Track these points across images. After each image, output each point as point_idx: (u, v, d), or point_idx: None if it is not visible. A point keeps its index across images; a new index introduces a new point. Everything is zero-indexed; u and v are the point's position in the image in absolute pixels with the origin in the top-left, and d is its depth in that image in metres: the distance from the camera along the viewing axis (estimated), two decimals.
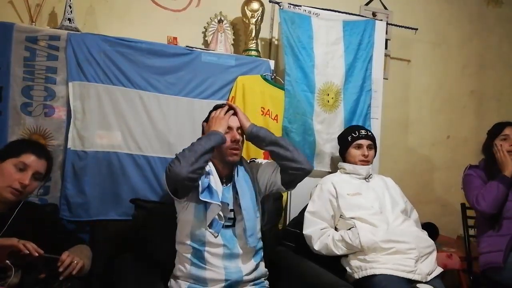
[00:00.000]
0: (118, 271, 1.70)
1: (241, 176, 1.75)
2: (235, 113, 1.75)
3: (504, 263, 1.95)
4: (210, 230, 1.61)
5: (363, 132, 2.15)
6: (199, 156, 1.54)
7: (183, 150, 1.57)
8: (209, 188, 1.61)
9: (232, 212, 1.68)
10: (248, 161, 1.90)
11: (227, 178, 1.74)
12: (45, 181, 1.69)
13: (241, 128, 1.74)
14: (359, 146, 2.13)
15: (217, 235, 1.61)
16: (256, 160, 1.93)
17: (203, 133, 1.79)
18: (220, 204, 1.60)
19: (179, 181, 1.53)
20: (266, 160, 1.92)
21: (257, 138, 1.72)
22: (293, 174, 1.70)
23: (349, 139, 2.15)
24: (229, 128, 1.72)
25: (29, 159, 1.49)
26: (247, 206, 1.69)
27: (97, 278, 1.74)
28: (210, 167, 1.68)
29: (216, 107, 1.81)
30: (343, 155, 2.21)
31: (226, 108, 1.75)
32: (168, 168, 1.55)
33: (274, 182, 1.76)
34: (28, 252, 1.29)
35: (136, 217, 1.88)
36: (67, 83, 1.97)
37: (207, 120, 1.80)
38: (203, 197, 1.59)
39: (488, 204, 2.02)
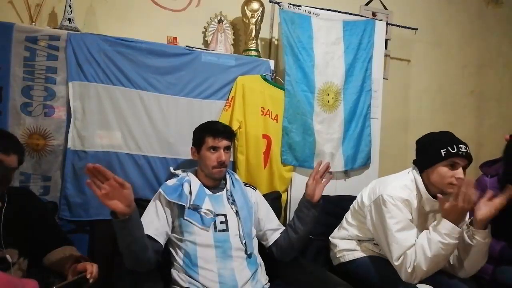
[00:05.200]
0: (118, 271, 1.70)
1: (238, 188, 1.80)
2: None
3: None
4: (197, 223, 1.64)
5: (463, 148, 1.61)
6: (129, 254, 1.48)
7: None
8: (180, 191, 1.67)
9: (224, 217, 1.70)
10: (245, 183, 1.91)
11: (215, 188, 1.77)
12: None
13: (228, 147, 1.76)
14: (454, 166, 1.60)
15: (208, 229, 1.64)
16: (257, 191, 1.93)
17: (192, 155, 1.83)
18: (185, 204, 1.64)
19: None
20: (267, 205, 1.91)
21: (315, 207, 1.73)
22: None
23: (443, 154, 1.60)
24: (215, 148, 1.73)
25: None
26: (243, 212, 1.72)
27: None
28: (189, 177, 1.74)
29: (204, 128, 1.80)
30: (422, 169, 1.70)
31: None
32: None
33: (263, 234, 1.82)
34: (87, 276, 1.31)
35: None
36: (67, 83, 1.97)
37: (195, 143, 1.81)
38: (171, 198, 1.65)
39: None
